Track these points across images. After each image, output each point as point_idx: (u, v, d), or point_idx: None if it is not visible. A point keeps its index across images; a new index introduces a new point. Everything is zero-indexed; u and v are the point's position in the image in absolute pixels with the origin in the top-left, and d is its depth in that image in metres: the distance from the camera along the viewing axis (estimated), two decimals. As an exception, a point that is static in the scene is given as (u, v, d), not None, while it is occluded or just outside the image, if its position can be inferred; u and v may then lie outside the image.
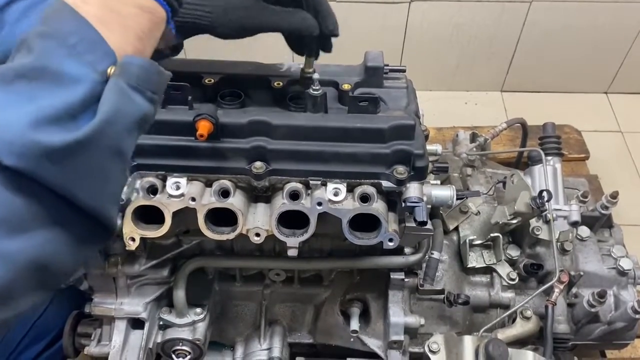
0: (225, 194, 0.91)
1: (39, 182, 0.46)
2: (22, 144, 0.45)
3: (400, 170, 0.89)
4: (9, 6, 0.73)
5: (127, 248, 0.90)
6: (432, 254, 1.12)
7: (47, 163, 0.46)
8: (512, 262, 1.18)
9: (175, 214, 0.89)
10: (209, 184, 0.91)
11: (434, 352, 1.01)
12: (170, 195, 0.89)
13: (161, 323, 1.09)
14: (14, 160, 0.45)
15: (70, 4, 0.51)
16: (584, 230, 1.24)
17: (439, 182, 1.04)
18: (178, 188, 0.89)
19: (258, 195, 0.96)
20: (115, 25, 0.52)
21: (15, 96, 0.47)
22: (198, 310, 1.08)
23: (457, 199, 1.00)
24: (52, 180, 0.47)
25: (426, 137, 1.07)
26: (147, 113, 0.53)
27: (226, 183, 0.91)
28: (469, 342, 1.01)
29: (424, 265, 1.13)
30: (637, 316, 1.13)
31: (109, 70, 0.50)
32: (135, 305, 1.07)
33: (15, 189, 0.46)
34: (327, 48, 0.88)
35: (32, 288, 0.50)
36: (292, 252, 0.94)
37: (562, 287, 1.11)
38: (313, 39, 0.83)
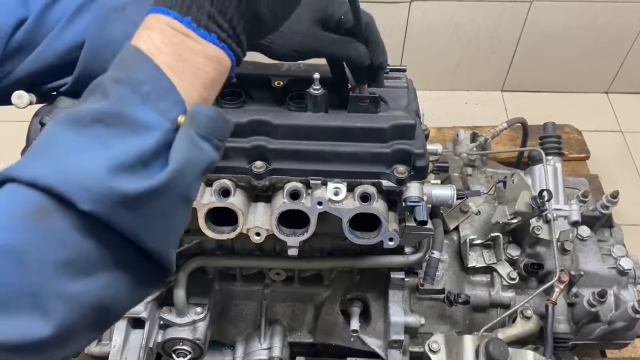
0: (225, 193, 0.91)
1: (111, 227, 0.47)
2: (99, 191, 0.46)
3: (401, 170, 0.89)
4: (55, 4, 0.77)
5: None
6: (432, 253, 1.12)
7: (122, 209, 0.47)
8: (512, 262, 1.18)
9: (176, 214, 0.88)
10: (209, 183, 0.91)
11: (434, 352, 1.01)
12: (171, 195, 0.89)
13: (161, 322, 1.09)
14: (90, 206, 0.46)
15: (145, 52, 0.52)
16: (585, 230, 1.24)
17: (439, 181, 1.04)
18: (178, 187, 0.89)
19: (258, 194, 0.96)
20: (185, 74, 0.53)
21: (91, 141, 0.48)
22: (198, 309, 1.08)
23: (458, 198, 1.00)
24: (124, 225, 0.48)
25: (426, 136, 1.06)
26: (214, 160, 0.54)
27: (226, 182, 0.91)
28: (469, 342, 1.01)
29: (424, 264, 1.13)
30: (638, 316, 1.13)
31: (179, 119, 0.51)
32: (135, 304, 1.07)
33: (86, 232, 0.47)
34: (375, 80, 0.89)
35: (91, 329, 0.51)
36: (292, 252, 0.94)
37: (562, 286, 1.11)
38: (363, 69, 0.86)
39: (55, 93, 0.85)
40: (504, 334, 1.11)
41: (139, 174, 0.48)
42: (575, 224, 1.21)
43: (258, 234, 0.92)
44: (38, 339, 0.45)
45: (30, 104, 0.83)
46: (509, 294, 1.17)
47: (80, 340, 0.51)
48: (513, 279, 1.16)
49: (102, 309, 0.50)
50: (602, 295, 1.12)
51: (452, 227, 1.20)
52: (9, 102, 0.82)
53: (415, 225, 0.93)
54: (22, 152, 0.86)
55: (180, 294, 1.06)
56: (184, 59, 0.53)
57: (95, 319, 0.50)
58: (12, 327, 0.44)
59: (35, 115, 0.87)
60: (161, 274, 0.54)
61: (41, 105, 0.87)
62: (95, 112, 0.49)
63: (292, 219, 0.92)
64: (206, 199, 0.90)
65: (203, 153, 0.52)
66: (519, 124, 1.49)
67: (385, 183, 0.91)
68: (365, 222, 0.92)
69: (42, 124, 0.79)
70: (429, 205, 0.95)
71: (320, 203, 0.89)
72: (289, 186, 0.91)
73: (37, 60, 0.79)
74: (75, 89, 0.81)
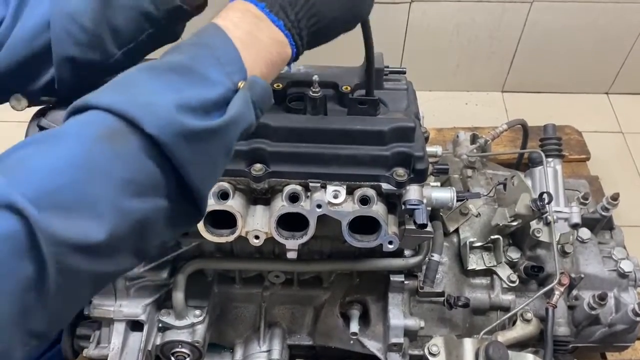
0: (224, 196, 0.91)
1: (169, 155, 0.54)
2: (166, 119, 0.53)
3: (400, 173, 0.89)
4: None
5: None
6: (432, 256, 1.12)
7: (182, 141, 0.54)
8: (512, 265, 1.18)
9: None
10: (208, 186, 0.91)
11: (434, 355, 1.01)
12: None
13: (160, 325, 1.09)
14: (156, 131, 0.53)
15: (223, 27, 0.62)
16: (585, 232, 1.24)
17: (439, 183, 1.04)
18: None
19: (257, 197, 0.95)
20: (252, 48, 0.62)
21: (165, 85, 0.56)
22: (197, 312, 1.08)
23: (458, 200, 0.99)
24: (179, 156, 0.54)
25: (426, 138, 1.06)
26: (253, 125, 0.62)
27: (225, 185, 0.91)
28: (469, 345, 1.01)
29: (424, 267, 1.13)
30: (638, 318, 1.12)
31: (239, 84, 0.60)
32: (134, 307, 1.07)
33: (148, 156, 0.54)
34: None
35: (130, 250, 0.56)
36: (291, 255, 0.94)
37: (562, 289, 1.10)
38: None
39: (44, 98, 0.85)
40: (504, 336, 1.11)
41: (200, 116, 0.56)
42: (575, 226, 1.21)
43: (257, 237, 0.92)
44: (94, 242, 0.50)
45: (29, 106, 0.83)
46: (509, 297, 1.17)
47: (122, 259, 0.56)
48: (513, 282, 1.16)
49: (142, 232, 0.55)
50: (603, 297, 1.12)
51: (451, 229, 1.19)
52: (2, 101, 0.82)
53: (414, 228, 0.93)
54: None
55: (179, 296, 1.06)
56: (253, 36, 0.62)
57: (135, 241, 0.55)
58: (75, 227, 0.49)
59: (33, 119, 0.86)
60: (193, 216, 0.61)
61: (38, 107, 0.87)
62: (172, 64, 0.59)
63: (291, 222, 0.92)
64: (205, 202, 0.90)
65: (250, 115, 0.61)
66: (519, 125, 1.48)
67: (384, 186, 0.90)
68: (365, 225, 0.92)
69: (40, 127, 0.79)
70: (429, 208, 0.95)
71: (319, 206, 0.89)
72: (288, 189, 0.91)
73: (9, 54, 0.78)
74: (60, 76, 0.80)
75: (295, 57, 0.67)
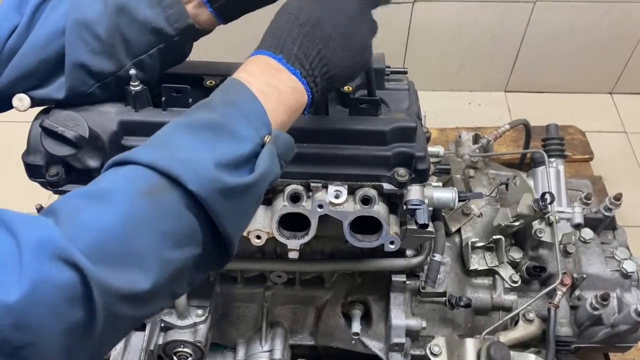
0: (226, 196, 0.91)
1: (207, 209, 0.59)
2: (206, 177, 0.58)
3: (402, 173, 0.89)
4: (44, 5, 0.81)
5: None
6: (434, 256, 1.12)
7: (219, 196, 0.59)
8: (514, 265, 1.18)
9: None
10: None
11: (435, 355, 1.01)
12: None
13: (162, 325, 1.09)
14: (196, 187, 0.58)
15: (245, 81, 0.67)
16: (587, 233, 1.23)
17: (441, 183, 1.04)
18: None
19: (259, 197, 0.95)
20: (273, 98, 0.67)
21: (201, 142, 0.61)
22: (199, 311, 1.08)
23: (459, 200, 0.99)
24: (216, 209, 0.59)
25: (428, 139, 1.06)
26: (278, 176, 0.67)
27: (227, 185, 0.91)
28: (471, 345, 1.01)
29: (426, 267, 1.13)
30: (641, 319, 1.12)
31: (266, 138, 0.65)
32: (136, 307, 1.07)
33: (187, 209, 0.58)
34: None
35: (167, 294, 0.61)
36: (293, 255, 0.94)
37: (564, 289, 1.10)
38: None
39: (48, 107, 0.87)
40: (506, 337, 1.11)
41: (233, 173, 0.61)
42: (578, 227, 1.20)
43: (259, 237, 0.92)
44: (139, 291, 0.55)
45: (31, 107, 0.84)
46: (511, 297, 1.16)
47: (160, 302, 0.61)
48: (515, 282, 1.15)
49: (177, 279, 0.60)
50: (605, 298, 1.11)
51: (453, 229, 1.19)
52: (8, 108, 0.83)
53: (416, 228, 0.92)
54: (23, 155, 0.87)
55: (181, 296, 1.06)
56: (272, 86, 0.67)
57: (172, 286, 0.60)
58: (123, 279, 0.53)
59: (36, 118, 0.87)
60: (221, 261, 0.65)
61: (41, 108, 0.87)
62: (205, 121, 0.63)
63: (293, 222, 0.92)
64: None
65: (276, 168, 0.66)
66: (522, 125, 1.48)
67: (386, 186, 0.90)
68: (366, 225, 0.92)
69: (43, 128, 0.79)
70: (430, 208, 0.95)
71: (320, 206, 0.89)
72: (290, 189, 0.91)
73: (21, 60, 0.80)
74: (71, 83, 0.82)
75: (311, 104, 0.72)
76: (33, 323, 0.48)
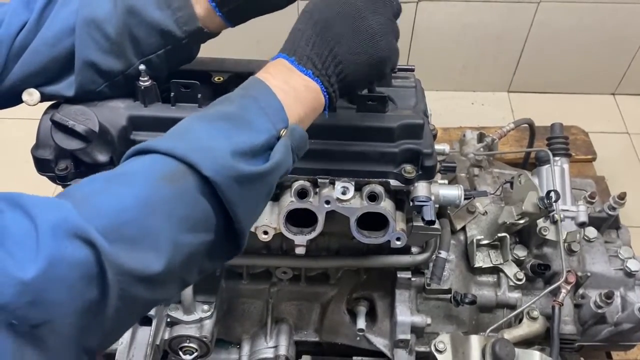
0: (233, 191, 0.91)
1: (221, 195, 0.60)
2: (223, 164, 0.60)
3: (409, 169, 0.89)
4: (52, 2, 0.82)
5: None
6: (439, 253, 1.12)
7: (234, 183, 0.61)
8: (519, 263, 1.18)
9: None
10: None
11: (440, 352, 1.01)
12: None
13: (169, 320, 1.10)
14: (212, 174, 0.59)
15: (263, 79, 0.70)
16: (591, 231, 1.24)
17: (446, 181, 1.05)
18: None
19: (266, 193, 0.96)
20: (290, 95, 0.70)
21: (218, 131, 0.64)
22: (205, 307, 1.09)
23: (465, 198, 1.00)
24: (230, 196, 0.61)
25: (434, 136, 1.06)
26: (290, 169, 0.69)
27: (235, 181, 0.91)
28: (475, 342, 1.01)
29: (431, 264, 1.13)
30: (644, 317, 1.12)
31: (282, 131, 0.67)
32: (142, 302, 1.08)
33: (204, 195, 0.60)
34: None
35: (178, 280, 0.62)
36: (299, 250, 0.95)
37: (569, 287, 1.10)
38: None
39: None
40: (510, 334, 1.11)
41: (249, 161, 0.63)
42: (582, 225, 1.21)
43: (266, 233, 0.92)
44: (153, 272, 0.56)
45: (40, 101, 0.84)
46: (515, 295, 1.17)
47: (171, 288, 0.62)
48: (520, 280, 1.16)
49: (188, 265, 0.61)
50: (609, 296, 1.12)
51: (459, 227, 1.19)
52: (17, 102, 0.83)
53: (422, 225, 0.93)
54: (32, 149, 0.87)
55: (187, 291, 1.06)
56: (289, 84, 0.70)
57: (183, 271, 0.61)
58: (138, 259, 0.55)
59: (46, 113, 0.87)
60: (232, 251, 0.67)
61: (50, 102, 0.88)
62: (223, 113, 0.66)
63: (300, 218, 0.93)
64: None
65: (289, 160, 0.68)
66: (526, 125, 1.48)
67: (393, 182, 0.91)
68: (373, 221, 0.92)
69: (53, 122, 0.79)
70: (437, 205, 0.95)
71: (327, 202, 0.90)
72: (297, 185, 0.91)
73: (32, 57, 0.81)
74: (81, 81, 0.83)
75: (329, 104, 0.74)
76: (49, 300, 0.48)
